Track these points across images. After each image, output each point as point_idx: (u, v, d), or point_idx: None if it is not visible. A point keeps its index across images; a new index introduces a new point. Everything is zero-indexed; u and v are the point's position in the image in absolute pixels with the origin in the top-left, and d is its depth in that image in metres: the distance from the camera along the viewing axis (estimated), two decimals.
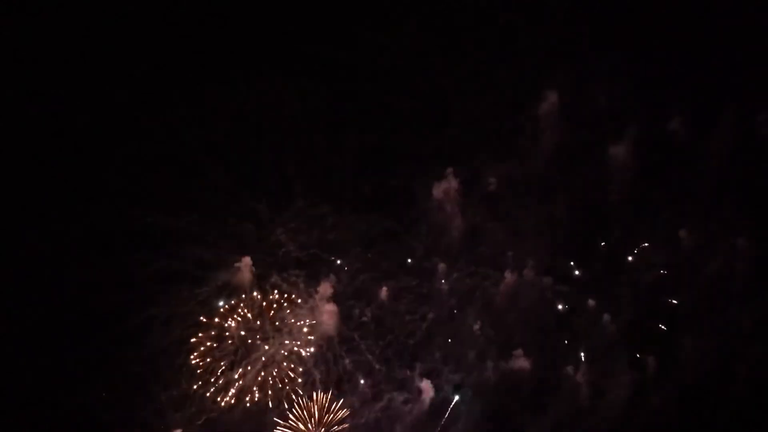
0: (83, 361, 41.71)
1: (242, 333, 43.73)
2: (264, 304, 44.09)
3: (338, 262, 45.49)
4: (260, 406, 42.76)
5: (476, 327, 45.94)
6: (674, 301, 46.41)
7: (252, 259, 43.63)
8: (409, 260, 45.97)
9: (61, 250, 43.12)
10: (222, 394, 42.67)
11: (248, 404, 42.67)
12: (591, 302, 46.30)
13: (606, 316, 46.08)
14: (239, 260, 43.56)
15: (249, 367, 43.11)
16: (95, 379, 41.86)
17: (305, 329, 44.14)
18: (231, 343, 43.51)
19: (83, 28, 46.06)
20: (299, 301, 44.39)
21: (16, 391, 41.20)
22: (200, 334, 43.24)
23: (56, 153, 44.60)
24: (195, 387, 42.59)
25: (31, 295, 42.53)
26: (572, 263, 46.93)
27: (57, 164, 44.58)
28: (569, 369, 45.81)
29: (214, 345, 43.27)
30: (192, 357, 42.94)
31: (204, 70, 46.18)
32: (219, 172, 44.44)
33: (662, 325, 46.14)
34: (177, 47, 45.98)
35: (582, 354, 46.14)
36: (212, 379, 42.80)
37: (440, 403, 44.76)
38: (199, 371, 42.82)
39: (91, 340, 41.78)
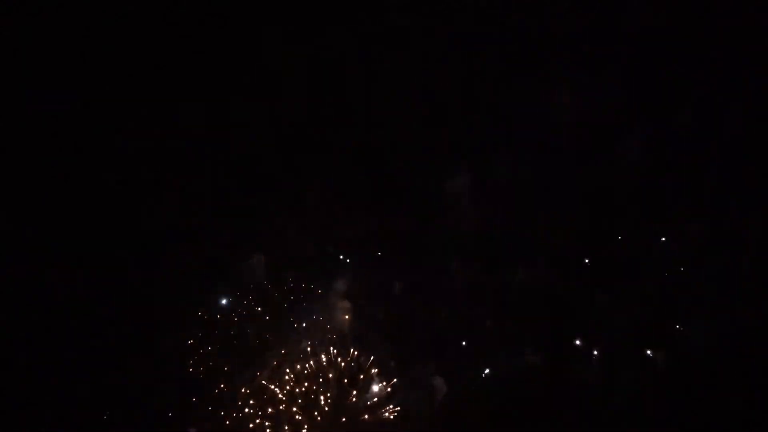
0: (95, 361, 41.60)
1: (256, 331, 43.48)
2: (277, 301, 43.89)
3: (352, 259, 45.34)
4: (275, 404, 42.48)
5: (489, 323, 45.89)
6: (684, 298, 46.40)
7: (265, 256, 43.51)
8: (423, 257, 45.86)
9: (71, 251, 42.89)
10: (236, 393, 42.34)
11: (262, 403, 42.39)
12: (601, 298, 46.36)
13: (616, 312, 46.08)
14: (252, 257, 43.38)
15: (263, 366, 42.86)
16: (107, 379, 41.55)
17: (319, 327, 43.98)
18: (244, 341, 43.24)
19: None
20: (315, 295, 44.22)
21: (26, 392, 40.80)
22: (212, 333, 43.02)
23: (68, 152, 44.50)
24: (208, 386, 42.27)
25: (42, 296, 42.42)
26: (585, 259, 46.97)
27: (67, 163, 44.44)
28: (579, 364, 45.73)
29: (227, 343, 43.01)
30: (204, 356, 42.71)
31: (214, 66, 46.11)
32: (231, 169, 44.32)
33: (672, 320, 46.12)
34: (185, 47, 45.97)
35: (591, 348, 46.04)
36: (225, 378, 42.53)
37: (454, 400, 44.60)
38: (211, 371, 42.58)
39: (103, 339, 41.82)
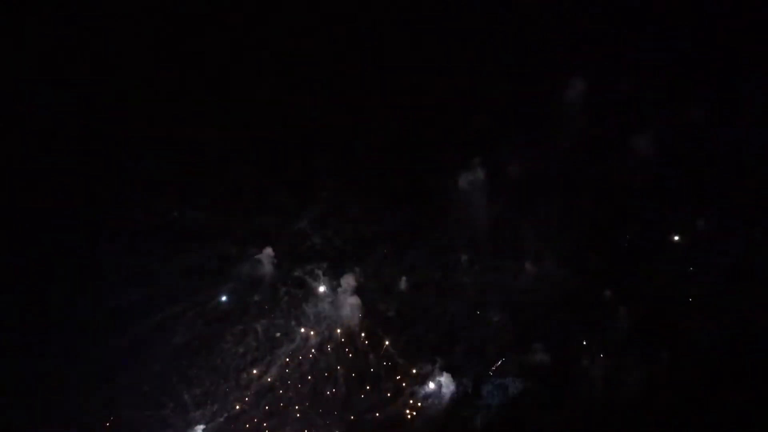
0: (104, 359, 41.21)
1: (264, 328, 43.17)
2: (286, 297, 43.64)
3: (361, 254, 45.24)
4: (283, 402, 42.15)
5: (496, 320, 45.80)
6: (692, 295, 46.49)
7: (274, 251, 43.26)
8: (432, 253, 45.80)
9: (81, 247, 42.50)
10: (244, 390, 42.01)
11: (271, 400, 42.04)
12: (608, 294, 46.36)
13: (622, 309, 46.08)
14: (259, 253, 43.14)
15: (271, 363, 42.53)
16: (117, 376, 41.20)
17: (328, 323, 43.71)
18: (253, 338, 42.91)
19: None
20: (323, 291, 43.98)
21: (36, 389, 40.33)
22: (221, 330, 42.66)
23: (79, 148, 44.06)
24: (217, 384, 41.91)
25: (51, 291, 41.86)
26: (592, 256, 46.95)
27: (79, 159, 43.96)
28: (585, 361, 45.65)
29: (236, 341, 42.65)
30: (213, 354, 42.29)
31: (225, 62, 45.95)
32: (241, 164, 44.12)
33: (679, 318, 46.17)
34: (196, 40, 45.76)
35: (596, 346, 45.98)
36: (234, 376, 42.20)
37: (461, 397, 44.45)
38: (220, 368, 42.22)
39: (113, 337, 41.26)
